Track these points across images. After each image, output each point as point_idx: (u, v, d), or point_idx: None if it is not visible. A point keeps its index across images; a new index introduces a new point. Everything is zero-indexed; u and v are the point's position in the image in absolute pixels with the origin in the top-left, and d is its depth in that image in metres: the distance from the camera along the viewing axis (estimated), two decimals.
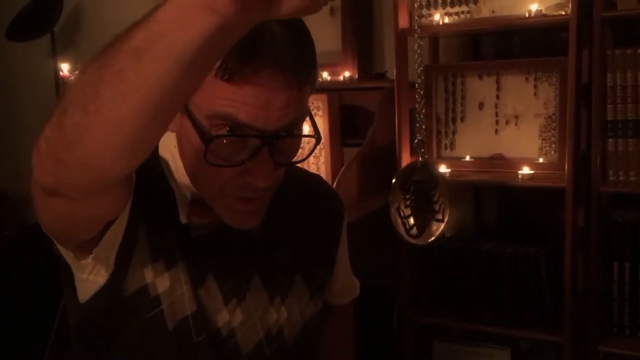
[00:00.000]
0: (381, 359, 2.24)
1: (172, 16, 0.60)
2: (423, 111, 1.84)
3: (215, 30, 0.59)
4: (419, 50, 1.75)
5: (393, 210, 1.79)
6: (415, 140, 1.83)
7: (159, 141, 0.73)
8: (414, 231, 1.78)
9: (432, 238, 1.74)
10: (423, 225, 1.76)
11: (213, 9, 0.58)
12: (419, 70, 1.77)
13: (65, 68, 2.87)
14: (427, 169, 1.77)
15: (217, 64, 0.83)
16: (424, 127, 1.87)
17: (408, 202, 1.78)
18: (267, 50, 0.84)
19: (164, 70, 0.62)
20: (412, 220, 1.78)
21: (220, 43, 0.62)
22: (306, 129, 0.97)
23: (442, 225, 1.73)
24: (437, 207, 1.73)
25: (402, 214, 1.79)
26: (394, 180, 1.79)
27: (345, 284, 1.32)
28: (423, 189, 1.76)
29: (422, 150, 1.81)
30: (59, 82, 2.89)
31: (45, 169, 0.74)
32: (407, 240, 1.81)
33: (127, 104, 0.64)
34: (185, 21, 0.59)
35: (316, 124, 0.95)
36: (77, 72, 0.70)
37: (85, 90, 0.66)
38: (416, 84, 1.93)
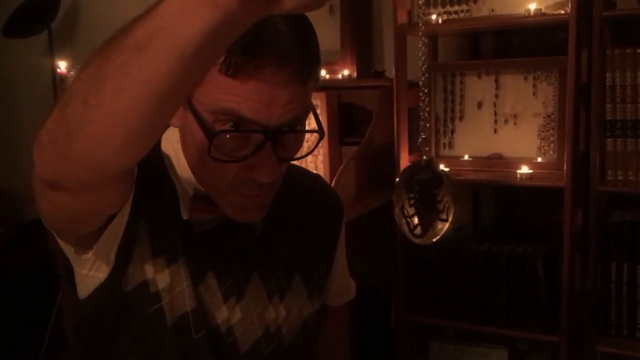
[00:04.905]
0: (377, 359, 2.24)
1: (174, 10, 0.59)
2: (427, 109, 1.81)
3: (218, 25, 0.58)
4: (423, 48, 1.72)
5: (397, 210, 1.77)
6: (419, 139, 1.80)
7: (160, 136, 0.72)
8: (418, 231, 1.76)
9: (436, 237, 1.72)
10: (427, 224, 1.74)
11: (215, 3, 0.57)
12: (422, 68, 1.75)
13: (62, 65, 2.86)
14: (431, 167, 1.75)
15: (221, 59, 0.83)
16: (427, 125, 1.84)
17: (412, 202, 1.75)
18: (271, 46, 0.83)
19: (165, 64, 0.61)
20: (415, 220, 1.76)
21: (222, 37, 0.61)
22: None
23: (447, 225, 1.70)
24: (441, 206, 1.71)
25: (406, 213, 1.76)
26: (397, 179, 1.78)
27: (342, 284, 1.32)
28: (427, 187, 1.74)
29: (427, 148, 1.81)
30: (56, 79, 2.88)
31: (47, 162, 0.74)
32: (410, 240, 1.79)
33: (128, 98, 0.64)
34: (188, 15, 0.59)
35: (319, 119, 0.94)
36: (79, 67, 0.70)
37: (87, 84, 0.66)
38: (420, 82, 1.90)
